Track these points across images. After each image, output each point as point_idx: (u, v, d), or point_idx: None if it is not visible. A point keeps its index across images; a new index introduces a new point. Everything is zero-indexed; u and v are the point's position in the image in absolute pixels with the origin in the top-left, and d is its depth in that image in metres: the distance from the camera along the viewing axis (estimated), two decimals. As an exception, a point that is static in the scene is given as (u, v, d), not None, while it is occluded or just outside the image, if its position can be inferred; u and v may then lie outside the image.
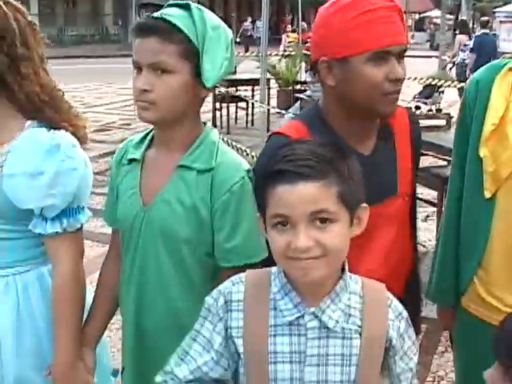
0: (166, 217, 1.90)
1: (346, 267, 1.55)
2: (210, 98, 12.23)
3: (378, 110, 1.87)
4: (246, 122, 12.25)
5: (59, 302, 2.06)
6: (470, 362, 2.17)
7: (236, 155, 1.97)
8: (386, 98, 1.85)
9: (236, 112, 12.42)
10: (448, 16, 31.27)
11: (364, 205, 1.51)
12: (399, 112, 2.02)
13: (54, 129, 2.02)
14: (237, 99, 11.91)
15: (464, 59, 14.28)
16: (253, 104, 11.85)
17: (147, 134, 2.05)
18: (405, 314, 1.60)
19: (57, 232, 2.01)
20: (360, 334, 1.52)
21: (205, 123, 2.02)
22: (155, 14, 1.91)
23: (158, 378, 1.64)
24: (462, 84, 11.90)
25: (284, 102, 12.90)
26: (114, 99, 16.28)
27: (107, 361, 2.31)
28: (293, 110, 9.17)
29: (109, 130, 11.91)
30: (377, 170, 1.92)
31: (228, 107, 11.83)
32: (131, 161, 2.02)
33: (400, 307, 1.60)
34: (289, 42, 21.62)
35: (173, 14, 1.86)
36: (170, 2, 1.94)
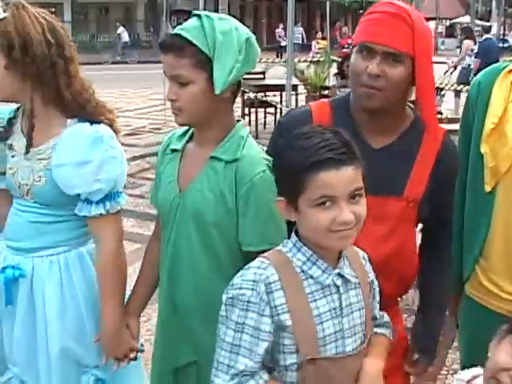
0: (198, 203, 2.09)
1: None
2: (239, 103, 12.44)
3: (356, 98, 2.09)
4: (274, 127, 12.36)
5: (104, 276, 2.31)
6: (471, 343, 2.34)
7: (260, 150, 2.13)
8: (362, 89, 2.02)
9: (265, 117, 12.58)
10: (478, 22, 31.16)
11: None
12: (436, 129, 2.14)
13: (94, 123, 2.27)
14: (265, 104, 12.04)
15: (470, 64, 14.41)
16: (281, 109, 11.97)
17: (189, 128, 2.24)
18: (362, 253, 1.93)
19: (100, 214, 2.27)
20: (359, 283, 1.84)
21: (238, 120, 2.19)
22: (173, 31, 2.08)
23: (219, 380, 1.72)
24: (461, 86, 12.09)
25: (312, 107, 12.96)
26: (144, 104, 16.54)
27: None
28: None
29: (139, 134, 12.12)
30: (382, 165, 2.04)
31: (257, 112, 11.97)
32: (173, 151, 2.23)
33: (365, 254, 1.93)
34: (319, 49, 21.77)
35: (186, 28, 2.03)
36: (194, 13, 2.10)
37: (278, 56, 23.20)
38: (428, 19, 38.28)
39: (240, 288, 1.71)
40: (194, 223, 2.10)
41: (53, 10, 39.37)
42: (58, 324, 2.31)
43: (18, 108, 2.42)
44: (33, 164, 2.29)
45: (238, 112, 12.59)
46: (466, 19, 43.97)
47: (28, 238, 2.33)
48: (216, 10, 19.48)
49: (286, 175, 1.73)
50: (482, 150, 2.16)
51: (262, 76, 12.81)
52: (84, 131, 2.24)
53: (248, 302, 1.69)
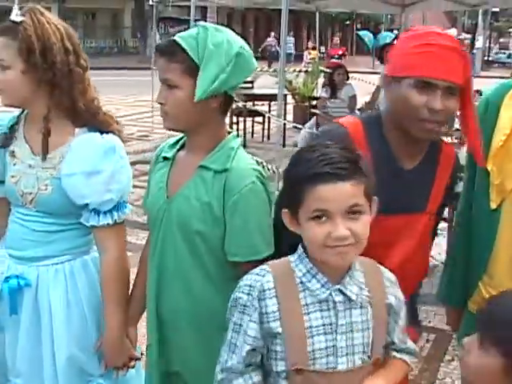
0: (183, 210, 2.11)
1: None
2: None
3: (412, 132, 2.04)
4: (263, 136, 12.42)
5: (109, 284, 2.32)
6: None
7: (251, 161, 2.15)
8: (422, 123, 2.00)
9: (252, 126, 12.59)
10: (465, 35, 31.36)
11: (375, 197, 1.76)
12: (448, 146, 2.24)
13: (104, 132, 2.27)
14: (254, 114, 12.05)
15: None
16: (269, 118, 11.99)
17: (182, 137, 2.26)
18: (394, 278, 1.89)
19: (107, 223, 2.25)
20: (370, 303, 1.80)
21: (229, 132, 2.20)
22: (166, 38, 2.15)
23: (219, 376, 1.81)
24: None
25: (300, 117, 13.02)
26: (133, 111, 16.49)
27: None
28: (309, 126, 9.31)
29: (128, 141, 12.02)
30: (412, 185, 2.12)
31: (245, 121, 11.97)
32: (165, 159, 2.25)
33: (392, 277, 1.89)
34: (310, 59, 21.85)
35: (182, 35, 2.08)
36: (197, 24, 2.14)
37: (269, 66, 23.21)
38: (414, 31, 38.82)
39: (239, 291, 1.79)
40: (179, 230, 2.12)
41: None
42: (64, 333, 2.31)
43: (19, 115, 2.40)
44: (38, 172, 2.28)
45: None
46: (452, 32, 44.41)
47: (32, 247, 2.32)
48: (204, 18, 19.52)
49: (288, 186, 1.78)
50: (489, 167, 2.16)
51: (250, 85, 12.79)
52: (95, 141, 2.24)
53: (244, 305, 1.77)
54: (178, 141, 2.27)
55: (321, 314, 1.75)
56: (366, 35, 38.18)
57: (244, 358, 1.77)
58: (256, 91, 12.93)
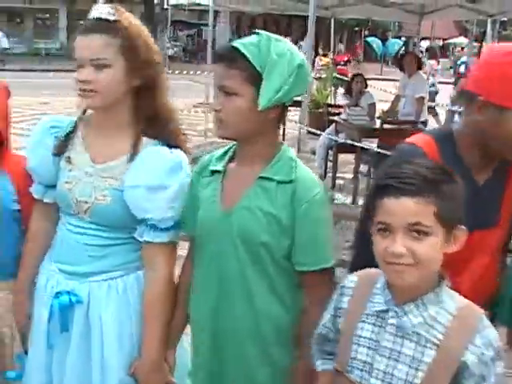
0: (247, 222, 2.04)
1: (445, 283, 1.70)
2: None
3: (508, 157, 2.03)
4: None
5: (154, 304, 2.21)
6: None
7: (310, 171, 2.12)
8: None
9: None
10: (474, 44, 31.26)
11: (462, 227, 1.68)
12: None
13: (173, 146, 2.19)
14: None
15: (433, 83, 14.56)
16: (284, 124, 11.89)
17: (229, 149, 2.19)
18: (496, 344, 1.66)
19: (163, 241, 2.18)
20: (437, 347, 1.64)
21: (281, 142, 2.15)
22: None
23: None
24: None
25: (314, 123, 12.93)
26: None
27: (186, 360, 2.41)
28: (329, 132, 9.23)
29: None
30: (485, 200, 2.06)
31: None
32: (213, 172, 2.16)
33: (492, 337, 1.66)
34: (322, 65, 21.80)
35: (243, 42, 2.02)
36: (255, 31, 2.08)
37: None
38: (422, 39, 38.69)
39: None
40: (241, 242, 2.05)
41: (47, 15, 39.79)
42: (115, 350, 2.22)
43: (77, 120, 2.32)
44: (96, 181, 2.20)
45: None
46: (460, 40, 44.36)
47: (84, 261, 2.23)
48: (215, 22, 19.54)
49: (367, 196, 1.81)
50: None
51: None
52: (164, 155, 2.17)
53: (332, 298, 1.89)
54: (225, 152, 2.20)
55: (372, 327, 1.73)
56: (375, 42, 38.27)
57: (316, 339, 1.93)
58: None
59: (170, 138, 2.22)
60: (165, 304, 2.23)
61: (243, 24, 39.11)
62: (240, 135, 2.06)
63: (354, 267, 1.96)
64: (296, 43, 31.00)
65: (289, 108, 2.13)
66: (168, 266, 2.23)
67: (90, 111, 2.32)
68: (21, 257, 2.49)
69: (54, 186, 2.31)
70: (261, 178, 2.06)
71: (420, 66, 9.43)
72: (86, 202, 2.20)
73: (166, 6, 13.24)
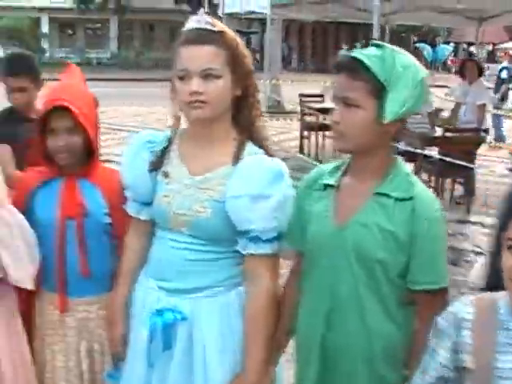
0: (362, 238, 1.99)
1: None
2: (297, 126, 12.32)
3: None
4: (334, 150, 12.18)
5: (258, 319, 2.16)
6: None
7: (425, 186, 2.08)
8: None
9: (323, 140, 12.41)
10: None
11: None
12: None
13: (269, 155, 2.17)
14: (325, 128, 11.88)
15: None
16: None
17: (342, 163, 2.14)
18: None
19: (266, 253, 2.12)
20: None
21: (396, 156, 2.10)
22: (351, 53, 2.02)
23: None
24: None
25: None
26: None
27: (281, 375, 2.38)
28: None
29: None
30: None
31: (317, 135, 11.79)
32: (326, 186, 2.11)
33: None
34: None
35: (365, 54, 1.97)
36: (374, 42, 2.04)
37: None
38: (469, 44, 38.04)
39: (441, 317, 1.77)
40: (356, 258, 2.00)
41: (98, 25, 40.35)
42: (219, 368, 2.17)
43: (172, 134, 2.29)
44: (195, 193, 2.16)
45: (294, 134, 12.52)
46: (510, 45, 43.66)
47: (185, 277, 2.19)
48: (263, 30, 19.48)
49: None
50: None
51: (321, 99, 12.65)
52: (265, 164, 2.13)
53: (440, 330, 1.75)
54: (338, 166, 2.15)
55: None
56: (425, 48, 37.80)
57: (432, 381, 1.77)
58: (326, 105, 12.73)
59: (266, 146, 2.20)
60: (267, 318, 2.17)
61: (292, 31, 39.17)
62: (359, 148, 2.02)
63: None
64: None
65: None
66: (271, 279, 2.18)
67: (183, 124, 2.29)
68: (111, 271, 2.49)
69: (149, 204, 2.28)
70: (377, 193, 2.01)
71: (481, 73, 9.29)
72: (185, 215, 2.16)
73: (221, 15, 13.26)
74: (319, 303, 2.07)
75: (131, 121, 14.96)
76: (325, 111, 12.10)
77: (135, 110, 16.99)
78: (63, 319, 2.51)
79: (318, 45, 41.64)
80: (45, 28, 38.82)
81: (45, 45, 37.09)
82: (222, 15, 13.24)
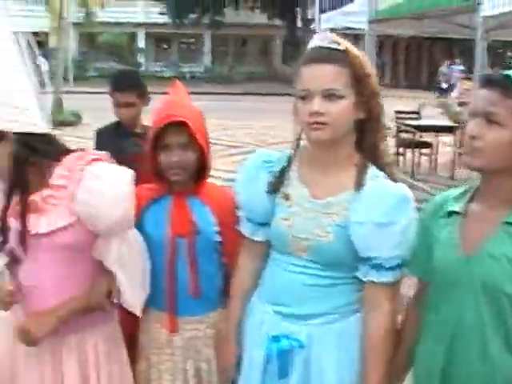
0: (491, 270, 1.87)
1: None
2: (392, 142, 12.12)
3: None
4: (429, 168, 11.97)
5: (377, 348, 2.09)
6: None
7: None
8: None
9: (419, 157, 12.19)
10: None
11: None
12: None
13: (393, 180, 2.09)
14: (422, 145, 11.66)
15: None
16: (437, 150, 11.59)
17: (469, 188, 2.04)
18: None
19: (388, 282, 2.05)
20: None
21: None
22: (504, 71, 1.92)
23: None
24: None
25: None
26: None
27: None
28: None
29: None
30: None
31: (413, 152, 11.58)
32: (451, 213, 2.01)
33: None
34: (464, 89, 21.12)
35: None
36: None
37: (438, 97, 22.64)
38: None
39: None
40: (483, 290, 1.88)
41: (192, 40, 41.01)
42: None
43: (290, 155, 2.23)
44: (317, 217, 2.09)
45: (391, 150, 12.32)
46: None
47: (303, 303, 2.12)
48: (357, 45, 19.31)
49: None
50: None
51: (417, 116, 12.43)
52: (390, 189, 2.05)
53: None
54: (464, 192, 2.04)
55: None
56: (522, 64, 36.79)
57: None
58: (423, 122, 12.50)
59: (390, 170, 2.12)
60: (387, 345, 2.10)
61: (385, 46, 38.81)
62: (495, 167, 1.89)
63: None
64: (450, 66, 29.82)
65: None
66: (391, 307, 2.09)
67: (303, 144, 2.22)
68: (220, 290, 2.45)
69: (265, 224, 2.22)
70: (507, 223, 1.89)
71: None
72: (307, 239, 2.09)
73: (316, 31, 13.24)
74: (442, 333, 1.97)
75: (222, 134, 15.05)
76: (421, 128, 11.94)
77: (226, 124, 17.07)
78: (171, 338, 2.47)
79: (411, 60, 41.10)
80: (141, 43, 39.70)
81: (141, 59, 37.93)
82: (318, 31, 13.19)
